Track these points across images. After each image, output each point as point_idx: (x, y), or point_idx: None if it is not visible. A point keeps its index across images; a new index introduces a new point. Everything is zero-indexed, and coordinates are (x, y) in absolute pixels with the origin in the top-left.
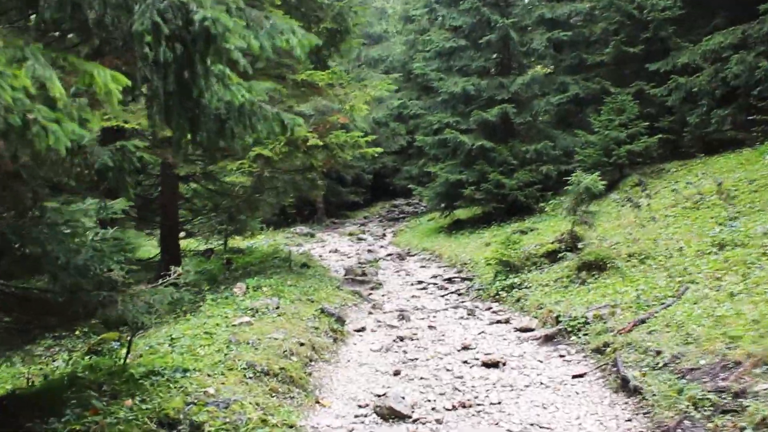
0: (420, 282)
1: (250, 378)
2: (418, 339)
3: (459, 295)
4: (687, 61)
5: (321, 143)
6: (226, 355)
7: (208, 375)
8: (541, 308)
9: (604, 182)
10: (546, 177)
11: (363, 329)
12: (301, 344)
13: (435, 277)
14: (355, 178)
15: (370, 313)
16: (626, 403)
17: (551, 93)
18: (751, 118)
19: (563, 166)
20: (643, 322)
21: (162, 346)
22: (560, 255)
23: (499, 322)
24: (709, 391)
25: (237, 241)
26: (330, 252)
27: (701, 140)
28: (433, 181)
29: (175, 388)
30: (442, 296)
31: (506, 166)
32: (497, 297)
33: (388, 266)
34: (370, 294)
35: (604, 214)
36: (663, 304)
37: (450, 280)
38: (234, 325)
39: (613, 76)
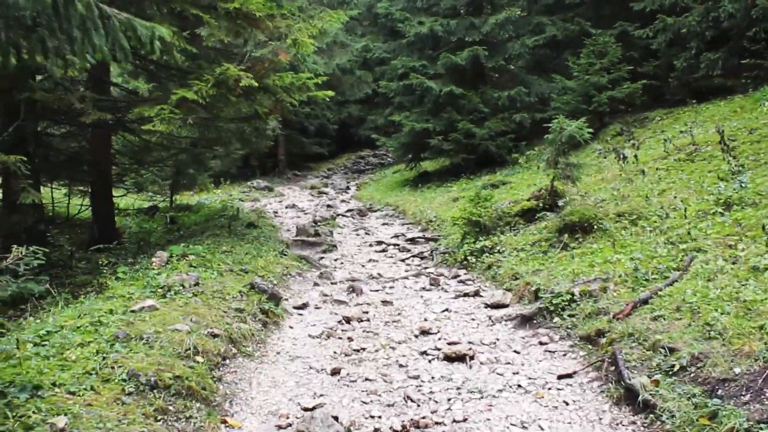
0: (380, 243)
1: (130, 394)
2: (368, 320)
3: (422, 259)
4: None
5: (257, 84)
6: (105, 359)
7: (71, 393)
8: (517, 279)
9: (590, 130)
10: (519, 126)
11: (305, 306)
12: (215, 336)
13: (397, 236)
14: (319, 129)
15: (316, 284)
16: (634, 423)
17: (526, 35)
18: (744, 62)
19: (538, 114)
20: (644, 302)
21: (24, 347)
22: (538, 214)
23: (466, 295)
24: (758, 422)
25: (186, 197)
26: (287, 207)
27: (688, 86)
28: (399, 131)
29: (13, 417)
30: (403, 260)
31: (477, 114)
32: (465, 263)
33: (347, 224)
34: (322, 258)
35: (585, 167)
36: (667, 278)
37: (413, 241)
38: (133, 311)
39: (594, 17)
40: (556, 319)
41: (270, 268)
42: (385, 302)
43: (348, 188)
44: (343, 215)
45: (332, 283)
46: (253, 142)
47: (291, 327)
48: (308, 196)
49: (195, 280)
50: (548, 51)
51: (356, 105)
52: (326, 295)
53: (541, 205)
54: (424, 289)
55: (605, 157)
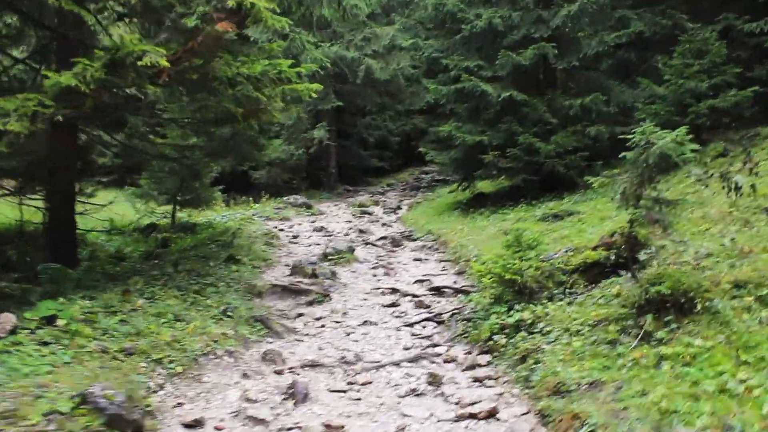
0: (394, 291)
1: None
2: None
3: (439, 323)
4: None
5: (167, 64)
6: None
7: None
8: (560, 394)
9: (694, 146)
10: (595, 141)
11: (197, 425)
12: None
13: (422, 281)
14: (380, 141)
15: (246, 375)
16: None
17: (606, 31)
18: None
19: (619, 127)
20: None
21: None
22: (608, 280)
23: (474, 416)
24: None
25: (199, 214)
26: (314, 230)
27: None
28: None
29: None
30: (411, 325)
31: (542, 125)
32: (490, 343)
33: (369, 258)
34: (299, 316)
35: (680, 202)
36: None
37: (439, 291)
38: None
39: (691, 8)
40: None
41: (183, 343)
42: (329, 428)
43: (399, 207)
44: (373, 244)
45: (275, 372)
46: (250, 153)
47: None
48: (349, 216)
49: None
50: (633, 50)
51: (421, 116)
52: (248, 401)
53: (612, 257)
54: (414, 392)
55: (706, 186)
